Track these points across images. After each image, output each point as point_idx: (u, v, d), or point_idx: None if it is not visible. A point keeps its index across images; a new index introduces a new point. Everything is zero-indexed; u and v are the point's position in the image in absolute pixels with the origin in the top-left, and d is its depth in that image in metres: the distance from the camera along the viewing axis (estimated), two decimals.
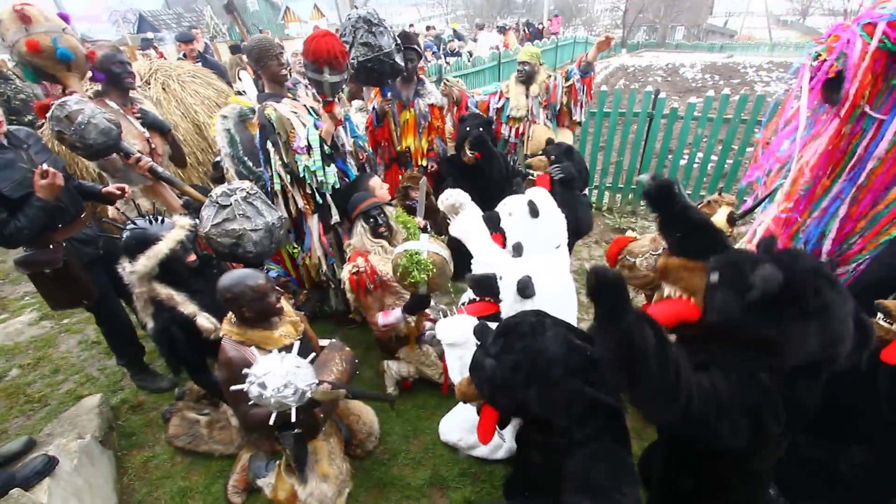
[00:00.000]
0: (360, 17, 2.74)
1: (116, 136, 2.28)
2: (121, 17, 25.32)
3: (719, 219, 2.15)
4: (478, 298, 2.16)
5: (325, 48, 2.47)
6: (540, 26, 17.31)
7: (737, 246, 2.14)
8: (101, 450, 2.34)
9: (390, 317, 2.45)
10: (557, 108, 3.69)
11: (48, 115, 2.12)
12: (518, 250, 2.25)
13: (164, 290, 2.02)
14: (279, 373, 1.54)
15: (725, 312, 1.17)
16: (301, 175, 2.57)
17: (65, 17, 2.37)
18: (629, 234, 2.43)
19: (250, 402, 1.62)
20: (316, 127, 2.57)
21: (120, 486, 2.30)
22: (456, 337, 1.85)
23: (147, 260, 1.94)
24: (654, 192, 1.45)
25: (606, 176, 4.94)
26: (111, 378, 2.99)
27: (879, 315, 1.52)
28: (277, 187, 2.60)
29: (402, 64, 2.96)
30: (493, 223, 2.25)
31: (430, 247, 2.17)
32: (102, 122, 2.20)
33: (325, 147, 2.64)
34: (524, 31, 14.69)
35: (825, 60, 1.96)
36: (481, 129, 3.28)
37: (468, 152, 3.23)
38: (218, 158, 3.05)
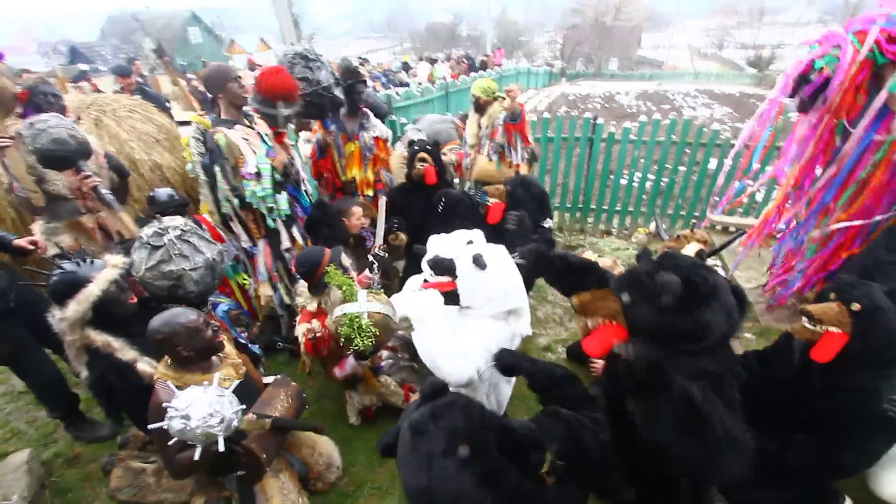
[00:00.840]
0: (296, 54, 2.81)
1: (71, 150, 2.27)
2: (51, 48, 24.17)
3: (688, 254, 2.14)
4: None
5: (279, 84, 2.56)
6: (484, 58, 18.05)
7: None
8: None
9: (346, 367, 2.42)
10: (501, 145, 3.78)
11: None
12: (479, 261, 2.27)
13: (99, 337, 1.87)
14: (203, 402, 1.47)
15: (648, 322, 1.35)
16: (248, 200, 2.56)
17: None
18: (587, 255, 2.51)
19: (175, 443, 1.53)
20: (267, 155, 2.57)
21: None
22: (417, 311, 2.00)
23: (78, 305, 1.81)
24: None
25: (554, 197, 5.16)
26: (42, 430, 2.73)
27: (805, 319, 1.67)
28: (226, 210, 2.59)
29: (342, 97, 3.03)
30: (447, 269, 2.17)
31: (369, 307, 2.12)
32: (60, 133, 2.23)
33: (276, 175, 2.63)
34: (464, 62, 15.26)
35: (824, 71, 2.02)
36: (428, 146, 3.38)
37: (417, 166, 3.29)
38: (153, 193, 2.95)
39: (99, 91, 4.99)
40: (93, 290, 1.83)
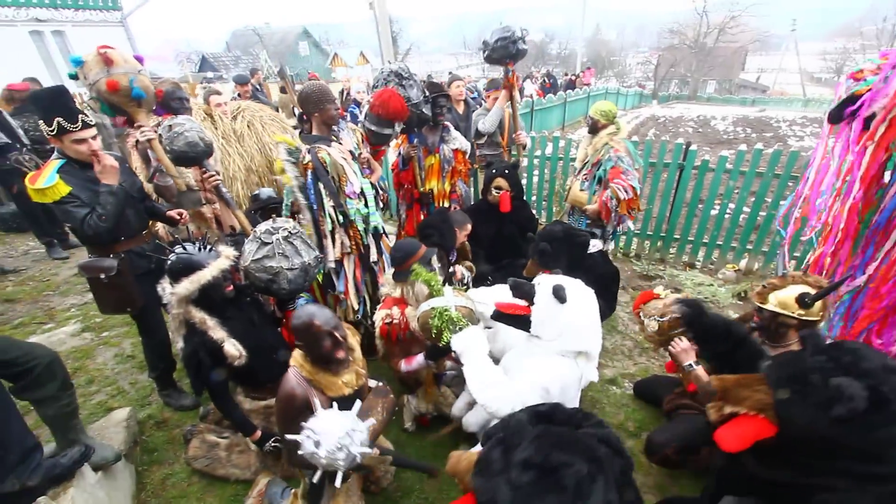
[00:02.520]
0: (391, 72, 2.97)
1: (200, 152, 2.62)
2: (185, 57, 27.68)
3: (787, 296, 1.98)
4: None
5: (396, 107, 2.79)
6: (572, 77, 17.80)
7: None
8: (125, 464, 2.38)
9: (413, 363, 2.46)
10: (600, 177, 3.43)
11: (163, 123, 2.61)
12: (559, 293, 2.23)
13: (198, 314, 2.11)
14: (336, 434, 1.57)
15: (809, 430, 1.14)
16: (352, 218, 2.64)
17: (140, 59, 2.66)
18: (657, 290, 2.36)
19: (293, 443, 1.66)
20: (363, 174, 2.73)
21: (137, 502, 2.32)
22: (461, 346, 1.92)
23: (190, 284, 2.05)
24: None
25: (635, 222, 4.94)
26: (140, 392, 3.08)
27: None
28: (328, 227, 2.63)
29: (429, 114, 3.16)
30: (527, 294, 2.08)
31: (456, 301, 2.16)
32: (193, 137, 2.58)
33: (372, 191, 2.78)
34: (545, 80, 15.17)
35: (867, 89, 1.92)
36: (507, 170, 3.38)
37: (493, 192, 3.32)
38: (257, 192, 3.26)
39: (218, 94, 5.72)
40: (205, 275, 2.07)
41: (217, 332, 2.11)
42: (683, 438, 2.21)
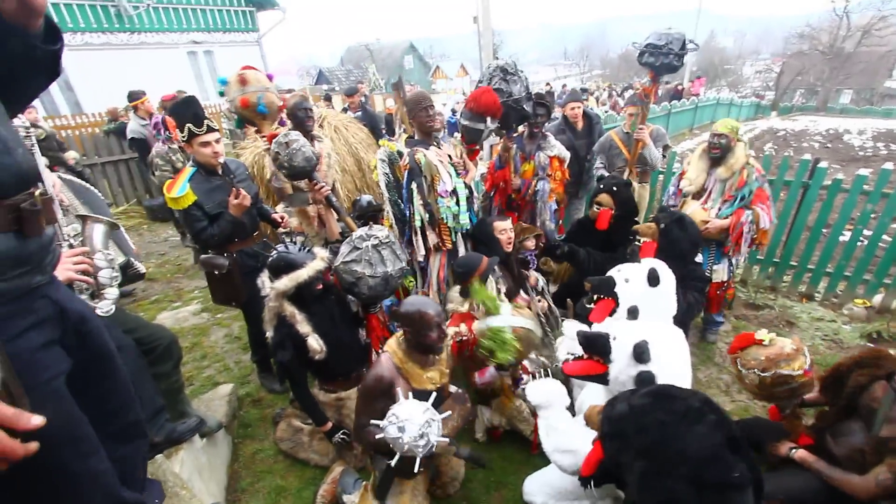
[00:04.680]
0: (497, 67, 3.02)
1: (314, 165, 2.88)
2: (305, 71, 30.66)
3: None
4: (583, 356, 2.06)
5: (489, 102, 2.81)
6: (679, 87, 16.66)
7: None
8: (224, 435, 2.65)
9: (486, 376, 2.47)
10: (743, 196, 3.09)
11: (274, 140, 2.80)
12: (634, 314, 2.14)
13: (289, 308, 2.29)
14: (418, 422, 1.64)
15: None
16: (442, 216, 2.79)
17: (270, 77, 3.04)
18: (759, 334, 2.08)
19: (375, 427, 1.75)
20: (458, 175, 2.84)
21: (231, 471, 2.57)
22: (540, 400, 1.81)
23: (289, 281, 2.24)
24: None
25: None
26: (242, 371, 3.42)
27: None
28: (417, 224, 2.81)
29: (531, 111, 3.11)
30: (608, 287, 2.17)
31: (513, 321, 2.15)
32: (308, 152, 2.81)
33: (466, 192, 2.88)
34: (613, 93, 14.29)
35: None
36: (614, 187, 3.19)
37: (594, 208, 3.20)
38: (358, 198, 3.48)
39: (332, 107, 6.27)
40: (302, 274, 2.26)
41: (304, 326, 2.28)
42: (794, 494, 1.90)
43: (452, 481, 2.32)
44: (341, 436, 2.46)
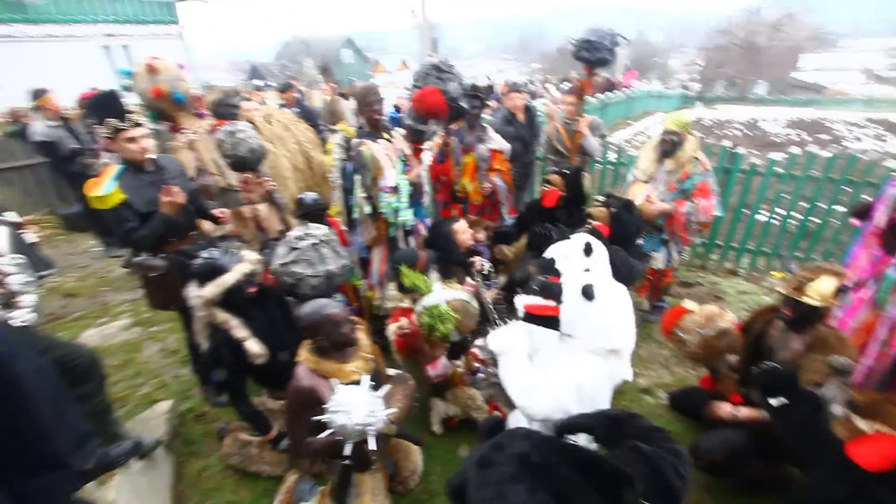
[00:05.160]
0: (431, 65, 3.04)
1: (258, 157, 2.79)
2: (236, 66, 29.18)
3: (824, 287, 1.98)
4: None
5: (434, 103, 2.83)
6: (614, 79, 17.40)
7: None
8: (165, 454, 2.49)
9: (438, 367, 2.48)
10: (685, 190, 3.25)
11: (221, 128, 2.73)
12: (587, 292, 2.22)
13: (222, 315, 2.18)
14: (360, 402, 1.62)
15: None
16: (382, 210, 2.80)
17: (180, 66, 2.85)
18: (686, 304, 2.33)
19: (326, 435, 1.70)
20: (404, 171, 2.84)
21: (175, 492, 2.42)
22: (503, 344, 1.85)
23: (214, 288, 2.13)
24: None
25: None
26: (183, 386, 3.22)
27: None
28: (356, 215, 2.85)
29: (467, 107, 3.16)
30: (549, 267, 2.25)
31: (446, 295, 2.23)
32: (254, 143, 2.73)
33: (409, 188, 2.88)
34: (549, 86, 14.82)
35: None
36: (566, 170, 3.31)
37: (544, 186, 3.30)
38: (302, 196, 3.36)
39: (264, 103, 5.91)
40: (228, 279, 2.14)
41: (240, 331, 2.18)
42: (732, 446, 2.16)
43: (412, 475, 2.31)
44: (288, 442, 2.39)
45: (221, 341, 2.18)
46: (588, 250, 2.09)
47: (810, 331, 2.06)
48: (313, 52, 28.77)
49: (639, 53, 35.27)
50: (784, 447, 2.02)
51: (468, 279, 2.85)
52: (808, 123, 15.22)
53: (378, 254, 3.02)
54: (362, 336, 2.12)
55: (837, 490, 1.42)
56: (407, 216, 2.90)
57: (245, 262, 2.24)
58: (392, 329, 2.47)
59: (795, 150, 4.15)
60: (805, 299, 1.99)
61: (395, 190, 2.79)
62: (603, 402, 1.95)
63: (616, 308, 1.85)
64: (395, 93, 8.01)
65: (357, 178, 2.77)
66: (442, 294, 2.26)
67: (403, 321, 2.43)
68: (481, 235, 3.32)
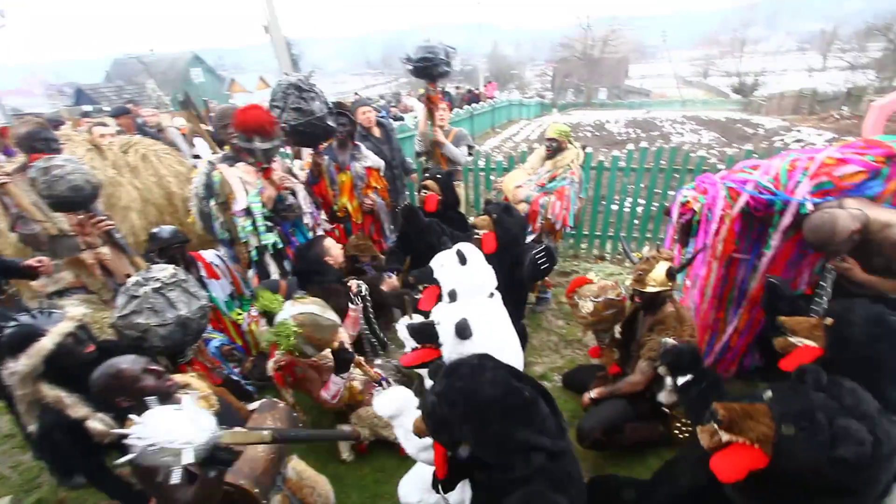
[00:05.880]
0: (290, 84, 2.91)
1: (86, 196, 2.34)
2: (57, 90, 24.82)
3: (658, 274, 2.28)
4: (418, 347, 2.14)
5: (252, 119, 2.66)
6: (475, 91, 18.54)
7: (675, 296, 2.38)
8: None
9: (331, 388, 2.40)
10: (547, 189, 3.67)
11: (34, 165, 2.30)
12: (453, 296, 2.28)
13: (50, 392, 1.79)
14: (168, 418, 1.33)
15: (809, 466, 1.20)
16: (241, 236, 2.66)
17: None
18: (590, 275, 2.62)
19: (169, 481, 1.32)
20: (259, 193, 2.66)
21: None
22: (391, 410, 1.80)
23: (28, 359, 1.73)
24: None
25: None
26: (25, 475, 2.66)
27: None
28: (222, 236, 2.73)
29: (335, 125, 3.13)
30: (427, 276, 2.29)
31: (293, 310, 2.22)
32: (77, 179, 2.28)
33: (265, 211, 2.73)
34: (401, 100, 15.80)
35: (690, 205, 2.46)
36: (438, 175, 3.46)
37: (422, 193, 3.39)
38: (156, 230, 2.98)
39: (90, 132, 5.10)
40: (45, 345, 1.76)
41: (77, 409, 1.80)
42: (608, 420, 2.41)
43: (318, 501, 2.16)
44: None
45: (54, 424, 1.78)
46: (462, 259, 2.12)
47: (658, 312, 2.37)
48: (153, 72, 25.83)
49: (497, 66, 38.12)
50: (651, 407, 2.38)
51: (350, 304, 2.78)
52: (642, 122, 17.78)
53: (251, 280, 2.89)
54: (187, 378, 1.87)
55: (698, 475, 1.60)
56: (269, 238, 2.78)
57: (65, 321, 1.86)
58: (270, 366, 2.33)
59: (631, 146, 4.80)
60: (647, 289, 2.31)
61: (247, 213, 2.67)
62: None
63: (495, 332, 1.90)
64: None
65: (212, 204, 2.63)
66: (289, 310, 2.22)
67: (278, 354, 2.30)
68: (366, 256, 3.34)
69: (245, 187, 2.66)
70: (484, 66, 32.03)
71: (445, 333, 1.84)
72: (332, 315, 2.38)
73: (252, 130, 2.65)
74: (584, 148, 4.75)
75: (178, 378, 1.82)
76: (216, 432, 1.38)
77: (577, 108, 26.44)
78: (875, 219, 1.96)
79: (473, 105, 14.46)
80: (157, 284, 1.99)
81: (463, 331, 1.77)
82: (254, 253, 2.79)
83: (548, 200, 3.59)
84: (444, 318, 1.90)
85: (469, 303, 2.03)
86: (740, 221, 2.37)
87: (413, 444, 1.79)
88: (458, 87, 18.50)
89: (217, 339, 2.76)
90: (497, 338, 1.88)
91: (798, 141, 11.92)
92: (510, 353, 1.94)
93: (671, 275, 2.28)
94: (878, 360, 1.53)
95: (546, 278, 3.98)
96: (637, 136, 14.37)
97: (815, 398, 1.27)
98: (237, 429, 1.50)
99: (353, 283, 2.86)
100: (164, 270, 2.08)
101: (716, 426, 1.33)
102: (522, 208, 3.57)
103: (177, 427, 1.31)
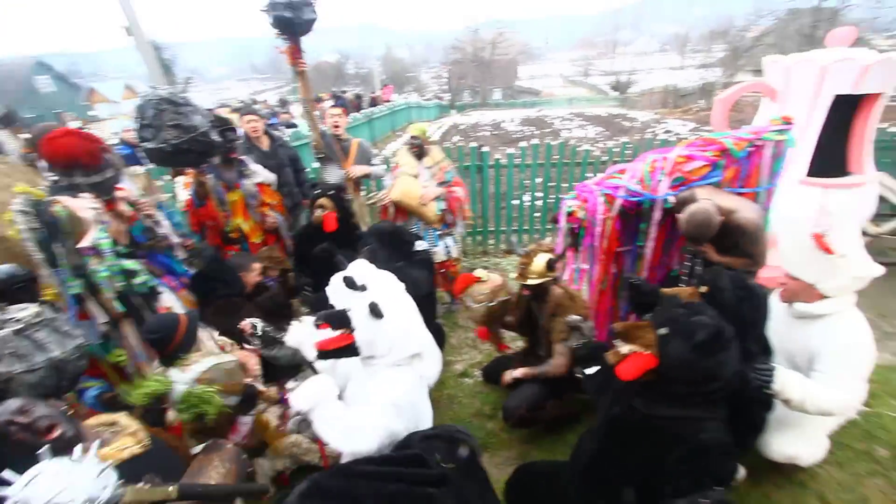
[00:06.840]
0: (161, 99, 2.56)
1: None
2: None
3: (538, 266, 2.45)
4: None
5: (63, 150, 2.18)
6: (372, 95, 18.37)
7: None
8: None
9: (241, 429, 2.25)
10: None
11: None
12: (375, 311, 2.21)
13: None
14: (51, 475, 1.16)
15: (679, 356, 1.55)
16: (94, 280, 2.23)
17: None
18: (478, 272, 2.61)
19: None
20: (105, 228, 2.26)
21: None
22: (310, 402, 1.71)
23: None
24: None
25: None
26: None
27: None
28: (76, 291, 2.20)
29: (220, 139, 2.87)
30: (341, 319, 2.16)
31: (188, 376, 2.02)
32: None
33: (119, 248, 2.34)
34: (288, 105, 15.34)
35: (576, 214, 2.66)
36: (330, 191, 3.32)
37: (317, 212, 3.23)
38: None
39: None
40: None
41: None
42: (530, 398, 2.58)
43: None
44: None
45: None
46: (351, 285, 1.97)
47: (549, 299, 2.53)
48: None
49: (392, 69, 38.19)
50: (566, 383, 2.52)
51: (245, 344, 2.56)
52: (535, 120, 18.90)
53: (129, 331, 2.45)
54: (114, 416, 1.68)
55: (614, 409, 1.83)
56: (142, 279, 2.41)
57: None
58: (170, 416, 2.07)
59: (524, 143, 5.06)
60: (528, 281, 2.49)
61: (95, 252, 2.22)
62: (424, 406, 2.03)
63: (405, 314, 1.95)
64: (122, 125, 6.75)
65: (57, 246, 2.12)
66: (184, 377, 1.99)
67: (170, 414, 2.06)
68: (274, 272, 3.18)
69: (100, 220, 2.22)
70: (379, 70, 31.82)
71: (359, 316, 1.83)
72: (224, 356, 2.19)
73: (65, 164, 2.19)
74: (481, 147, 4.94)
75: (104, 417, 1.62)
76: (117, 490, 1.23)
77: (474, 109, 27.37)
78: (722, 206, 2.29)
79: (372, 109, 14.32)
80: (19, 326, 1.70)
81: (375, 310, 1.78)
82: (117, 303, 2.34)
83: (458, 190, 3.82)
84: (354, 304, 1.89)
85: (376, 287, 1.99)
86: (619, 220, 2.63)
87: (336, 431, 1.72)
88: (343, 92, 18.00)
89: (94, 388, 2.41)
90: (407, 315, 1.96)
91: (667, 132, 13.49)
92: (421, 334, 2.01)
93: (551, 265, 2.45)
94: (742, 318, 1.86)
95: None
96: (531, 134, 15.23)
97: (679, 310, 1.65)
98: (140, 485, 1.32)
99: (247, 324, 2.54)
100: (25, 310, 1.77)
101: (617, 342, 1.70)
102: (433, 207, 3.63)
103: (68, 485, 1.14)
